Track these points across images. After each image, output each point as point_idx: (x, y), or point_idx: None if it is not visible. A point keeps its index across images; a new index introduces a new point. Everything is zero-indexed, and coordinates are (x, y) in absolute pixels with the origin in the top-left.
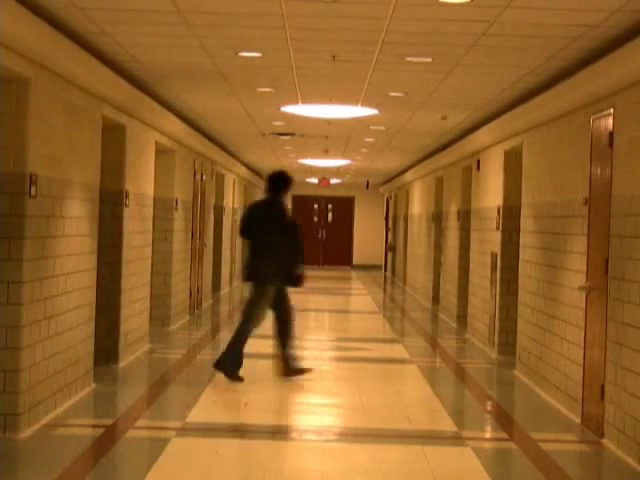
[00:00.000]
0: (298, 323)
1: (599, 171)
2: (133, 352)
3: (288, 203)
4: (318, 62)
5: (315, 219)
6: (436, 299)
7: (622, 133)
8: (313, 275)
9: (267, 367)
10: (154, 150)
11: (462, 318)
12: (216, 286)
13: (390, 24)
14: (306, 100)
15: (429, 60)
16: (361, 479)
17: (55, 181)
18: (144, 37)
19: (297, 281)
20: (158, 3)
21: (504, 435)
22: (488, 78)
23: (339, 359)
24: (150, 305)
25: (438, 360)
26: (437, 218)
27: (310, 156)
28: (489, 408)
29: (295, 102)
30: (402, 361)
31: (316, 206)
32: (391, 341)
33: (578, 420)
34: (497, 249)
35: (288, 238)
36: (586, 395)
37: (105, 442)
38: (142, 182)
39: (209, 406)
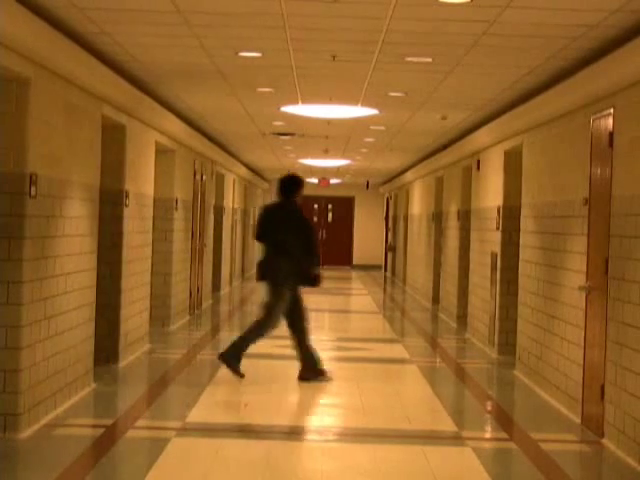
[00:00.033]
0: None
1: (599, 171)
2: (133, 352)
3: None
4: (318, 62)
5: (315, 219)
6: (436, 299)
7: (622, 133)
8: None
9: (267, 367)
10: (154, 150)
11: (462, 318)
12: (216, 286)
13: (390, 24)
14: (306, 100)
15: (429, 60)
16: (361, 479)
17: (55, 181)
18: (144, 37)
19: (314, 281)
20: (158, 3)
21: (504, 435)
22: (488, 78)
23: (339, 359)
24: (150, 305)
25: (438, 360)
26: (437, 218)
27: (310, 156)
28: (489, 408)
29: (295, 102)
30: (402, 361)
31: (316, 206)
32: (391, 341)
33: (578, 420)
34: (497, 249)
35: (301, 238)
36: (586, 395)
37: (105, 442)
38: (142, 182)
39: (209, 406)
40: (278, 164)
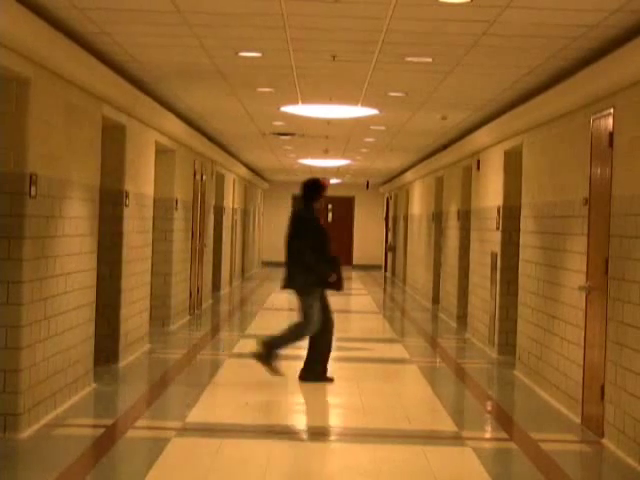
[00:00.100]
0: None
1: (599, 171)
2: (133, 352)
3: (289, 203)
4: (318, 62)
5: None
6: (436, 299)
7: (622, 133)
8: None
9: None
10: (154, 150)
11: (462, 318)
12: (216, 286)
13: (390, 24)
14: (306, 100)
15: (429, 60)
16: (361, 479)
17: (55, 181)
18: (144, 37)
19: (333, 286)
20: (158, 3)
21: (504, 435)
22: (488, 78)
23: (339, 359)
24: (150, 305)
25: (438, 360)
26: (437, 218)
27: (310, 156)
28: (489, 408)
29: (295, 102)
30: (402, 361)
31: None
32: (391, 341)
33: (578, 420)
34: (497, 249)
35: (312, 244)
36: (586, 395)
37: (105, 442)
38: (142, 182)
39: (209, 406)
40: (278, 164)
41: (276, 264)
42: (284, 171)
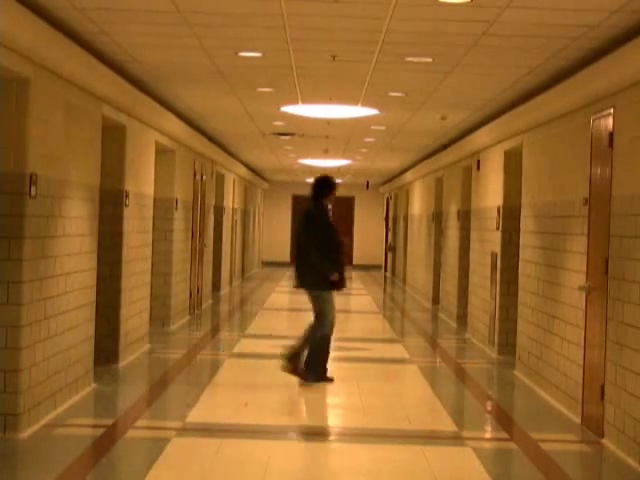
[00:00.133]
0: (299, 323)
1: (599, 171)
2: (133, 352)
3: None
4: (318, 62)
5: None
6: (436, 299)
7: (622, 133)
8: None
9: (267, 367)
10: (154, 150)
11: (462, 318)
12: (216, 286)
13: (390, 24)
14: (306, 100)
15: (429, 60)
16: (361, 479)
17: (55, 181)
18: (144, 37)
19: (334, 285)
20: (158, 3)
21: (504, 435)
22: (488, 78)
23: (339, 359)
24: (150, 305)
25: (438, 360)
26: (437, 218)
27: (310, 156)
28: (489, 408)
29: (295, 102)
30: (402, 361)
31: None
32: (391, 341)
33: (578, 420)
34: (497, 249)
35: (318, 242)
36: (586, 395)
37: (105, 442)
38: (142, 182)
39: (209, 406)
40: (278, 164)
41: (276, 264)
42: (284, 171)
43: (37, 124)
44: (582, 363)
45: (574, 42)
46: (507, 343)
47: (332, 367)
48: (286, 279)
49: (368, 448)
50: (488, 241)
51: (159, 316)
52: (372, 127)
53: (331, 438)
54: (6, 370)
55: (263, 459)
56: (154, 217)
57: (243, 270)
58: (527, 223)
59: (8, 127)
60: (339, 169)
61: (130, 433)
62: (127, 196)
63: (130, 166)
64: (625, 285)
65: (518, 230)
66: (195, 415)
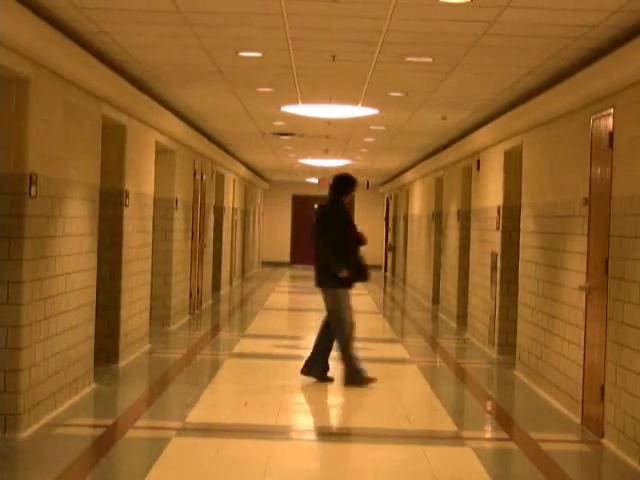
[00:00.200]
0: (299, 323)
1: (599, 171)
2: (133, 352)
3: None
4: (318, 62)
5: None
6: (436, 299)
7: (622, 133)
8: (313, 275)
9: (267, 367)
10: (154, 150)
11: (462, 318)
12: (216, 286)
13: (390, 24)
14: (306, 100)
15: (429, 60)
16: (361, 479)
17: (55, 181)
18: (144, 37)
19: (345, 283)
20: (158, 3)
21: (504, 435)
22: (488, 78)
23: (335, 358)
24: (150, 305)
25: (438, 360)
26: (437, 218)
27: (310, 156)
28: (489, 408)
29: (295, 102)
30: (402, 361)
31: (316, 206)
32: (391, 341)
33: (578, 420)
34: (497, 249)
35: (332, 239)
36: (586, 395)
37: (105, 442)
38: (142, 182)
39: (209, 406)
40: (278, 164)
41: (276, 264)
42: (284, 171)
43: (37, 124)
44: (582, 363)
45: (574, 42)
46: (507, 343)
47: (332, 367)
48: (286, 279)
49: (368, 448)
50: (488, 241)
51: (159, 316)
52: (372, 127)
53: (331, 438)
54: (6, 370)
55: (263, 459)
56: (154, 217)
57: (243, 270)
58: (527, 223)
59: (8, 127)
60: (339, 169)
61: (130, 433)
62: (127, 196)
63: (130, 166)
64: (625, 285)
65: (518, 230)
66: (195, 415)
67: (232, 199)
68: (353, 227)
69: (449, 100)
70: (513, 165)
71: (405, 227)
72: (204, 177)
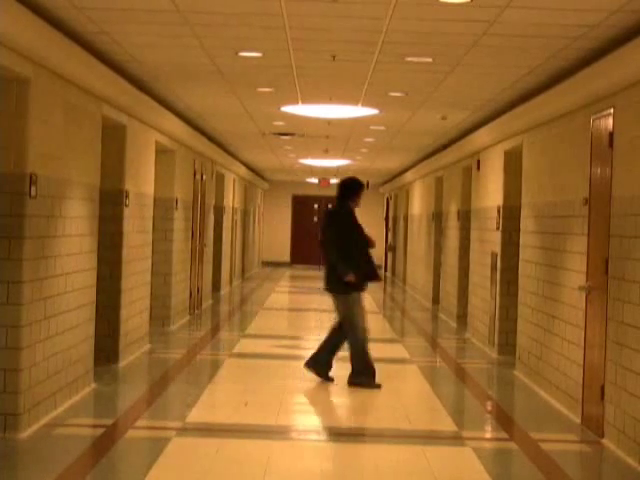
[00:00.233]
0: (299, 323)
1: (599, 171)
2: (133, 352)
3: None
4: (318, 62)
5: (315, 219)
6: (436, 299)
7: (622, 133)
8: (313, 275)
9: (267, 367)
10: (154, 150)
11: (462, 318)
12: (216, 286)
13: (390, 24)
14: (306, 100)
15: (429, 60)
16: (361, 479)
17: (55, 181)
18: (144, 36)
19: (354, 287)
20: (158, 3)
21: (504, 435)
22: (488, 78)
23: (339, 359)
24: (150, 305)
25: (438, 360)
26: (437, 218)
27: (310, 156)
28: (489, 408)
29: (295, 102)
30: (402, 361)
31: (316, 206)
32: (391, 341)
33: (578, 420)
34: (497, 249)
35: (341, 243)
36: (586, 395)
37: (105, 442)
38: (142, 182)
39: (209, 406)
40: (278, 164)
41: (276, 264)
42: (284, 171)
43: (37, 124)
44: (582, 363)
45: (574, 42)
46: (507, 343)
47: (336, 368)
48: (286, 279)
49: (368, 448)
50: (488, 241)
51: (159, 316)
52: (372, 127)
53: (331, 438)
54: (6, 370)
55: (263, 459)
56: (154, 217)
57: (243, 270)
58: (527, 223)
59: (8, 127)
60: (339, 169)
61: (130, 433)
62: (127, 196)
63: (130, 166)
64: (625, 285)
65: (518, 230)
66: (195, 415)
67: (232, 199)
68: (360, 230)
69: (449, 100)
70: (513, 165)
71: (405, 227)
72: (204, 177)
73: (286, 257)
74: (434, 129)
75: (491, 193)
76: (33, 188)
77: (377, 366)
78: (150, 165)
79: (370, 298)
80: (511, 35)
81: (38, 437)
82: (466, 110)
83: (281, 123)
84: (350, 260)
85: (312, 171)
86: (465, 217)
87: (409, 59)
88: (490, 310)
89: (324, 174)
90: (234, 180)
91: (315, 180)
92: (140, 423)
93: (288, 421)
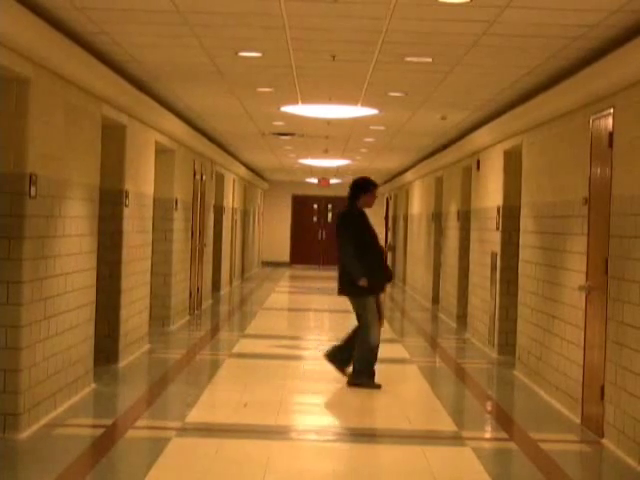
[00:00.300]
0: (298, 323)
1: (599, 171)
2: (133, 352)
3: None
4: (318, 62)
5: (315, 219)
6: (436, 299)
7: (622, 133)
8: (313, 275)
9: (267, 367)
10: (154, 150)
11: (462, 318)
12: (216, 286)
13: (390, 24)
14: (306, 100)
15: (429, 60)
16: (361, 479)
17: (55, 181)
18: (144, 37)
19: (369, 290)
20: (158, 3)
21: (504, 435)
22: (488, 78)
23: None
24: (150, 305)
25: (438, 360)
26: (437, 218)
27: (310, 156)
28: (489, 408)
29: (295, 102)
30: (402, 361)
31: (316, 206)
32: (391, 341)
33: (578, 420)
34: (497, 249)
35: (354, 244)
36: (586, 395)
37: (105, 442)
38: (142, 182)
39: (209, 406)
40: (278, 164)
41: (276, 264)
42: (284, 171)
43: (37, 124)
44: (582, 363)
45: (574, 42)
46: (507, 343)
47: (331, 367)
48: (286, 279)
49: (368, 448)
50: (488, 241)
51: (159, 316)
52: (372, 127)
53: (331, 438)
54: (6, 370)
55: (263, 459)
56: (154, 217)
57: (243, 270)
58: (527, 223)
59: (8, 127)
60: (339, 169)
61: (130, 433)
62: (127, 196)
63: (130, 166)
64: (625, 285)
65: (518, 230)
66: (195, 415)
67: (232, 199)
68: (370, 230)
69: (449, 100)
70: (513, 165)
71: (405, 227)
72: (204, 177)
73: (286, 257)
74: (434, 129)
75: (491, 193)
76: (33, 188)
77: (377, 366)
78: (150, 165)
79: None
80: (511, 35)
81: (38, 437)
82: (466, 110)
83: (281, 123)
84: (363, 262)
85: (312, 171)
86: (465, 217)
87: (409, 59)
88: (490, 310)
89: (324, 174)
90: (234, 180)
91: (315, 180)
92: (140, 423)
93: (288, 421)
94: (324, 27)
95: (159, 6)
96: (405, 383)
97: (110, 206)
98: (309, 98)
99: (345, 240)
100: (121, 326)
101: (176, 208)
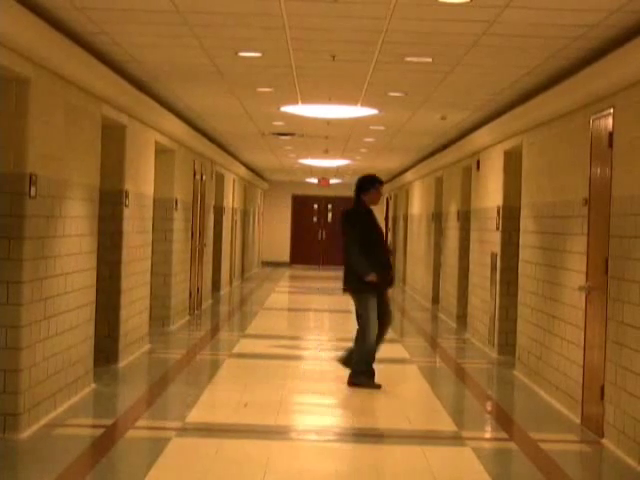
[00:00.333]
0: (298, 323)
1: (599, 171)
2: (133, 352)
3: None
4: (318, 62)
5: (315, 219)
6: (436, 299)
7: (622, 133)
8: (313, 275)
9: (267, 367)
10: (154, 150)
11: (462, 318)
12: (216, 286)
13: (390, 24)
14: (306, 100)
15: (429, 60)
16: (361, 479)
17: (55, 181)
18: (144, 37)
19: (372, 286)
20: (158, 3)
21: (504, 435)
22: (488, 78)
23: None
24: (150, 305)
25: (438, 360)
26: (437, 218)
27: (310, 156)
28: (489, 408)
29: (295, 102)
30: (402, 361)
31: (316, 206)
32: (391, 341)
33: (578, 420)
34: (497, 249)
35: (361, 242)
36: (586, 395)
37: (105, 442)
38: (142, 182)
39: (209, 406)
40: (278, 164)
41: (276, 264)
42: (284, 171)
43: (37, 124)
44: (582, 363)
45: (574, 42)
46: (507, 343)
47: (331, 367)
48: (286, 279)
49: (368, 448)
50: (488, 241)
51: (159, 316)
52: (372, 127)
53: (331, 438)
54: (6, 370)
55: (262, 459)
56: (154, 217)
57: (243, 270)
58: (527, 223)
59: (8, 127)
60: (339, 169)
61: (130, 433)
62: (127, 196)
63: (130, 166)
64: (625, 285)
65: (518, 230)
66: (195, 415)
67: (232, 199)
68: (376, 229)
69: (449, 100)
70: (513, 165)
71: (405, 227)
72: (204, 177)
73: (286, 257)
74: (434, 129)
75: (491, 193)
76: (33, 188)
77: (377, 366)
78: (150, 165)
79: None
80: (510, 35)
81: (38, 437)
82: (466, 110)
83: (281, 123)
84: (369, 260)
85: (312, 171)
86: (465, 217)
87: (409, 59)
88: (490, 310)
89: (324, 174)
90: (234, 180)
91: (315, 180)
92: (140, 423)
93: (288, 421)
94: (324, 27)
95: (159, 6)
96: (405, 383)
97: (110, 206)
98: (309, 98)
99: (351, 238)
100: (121, 326)
101: (176, 208)
